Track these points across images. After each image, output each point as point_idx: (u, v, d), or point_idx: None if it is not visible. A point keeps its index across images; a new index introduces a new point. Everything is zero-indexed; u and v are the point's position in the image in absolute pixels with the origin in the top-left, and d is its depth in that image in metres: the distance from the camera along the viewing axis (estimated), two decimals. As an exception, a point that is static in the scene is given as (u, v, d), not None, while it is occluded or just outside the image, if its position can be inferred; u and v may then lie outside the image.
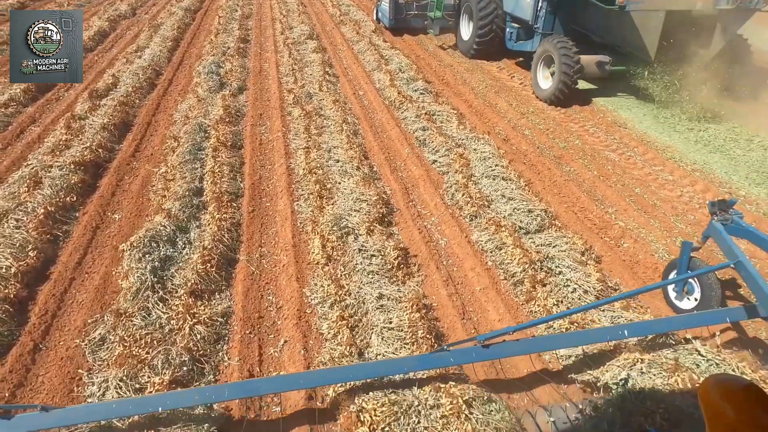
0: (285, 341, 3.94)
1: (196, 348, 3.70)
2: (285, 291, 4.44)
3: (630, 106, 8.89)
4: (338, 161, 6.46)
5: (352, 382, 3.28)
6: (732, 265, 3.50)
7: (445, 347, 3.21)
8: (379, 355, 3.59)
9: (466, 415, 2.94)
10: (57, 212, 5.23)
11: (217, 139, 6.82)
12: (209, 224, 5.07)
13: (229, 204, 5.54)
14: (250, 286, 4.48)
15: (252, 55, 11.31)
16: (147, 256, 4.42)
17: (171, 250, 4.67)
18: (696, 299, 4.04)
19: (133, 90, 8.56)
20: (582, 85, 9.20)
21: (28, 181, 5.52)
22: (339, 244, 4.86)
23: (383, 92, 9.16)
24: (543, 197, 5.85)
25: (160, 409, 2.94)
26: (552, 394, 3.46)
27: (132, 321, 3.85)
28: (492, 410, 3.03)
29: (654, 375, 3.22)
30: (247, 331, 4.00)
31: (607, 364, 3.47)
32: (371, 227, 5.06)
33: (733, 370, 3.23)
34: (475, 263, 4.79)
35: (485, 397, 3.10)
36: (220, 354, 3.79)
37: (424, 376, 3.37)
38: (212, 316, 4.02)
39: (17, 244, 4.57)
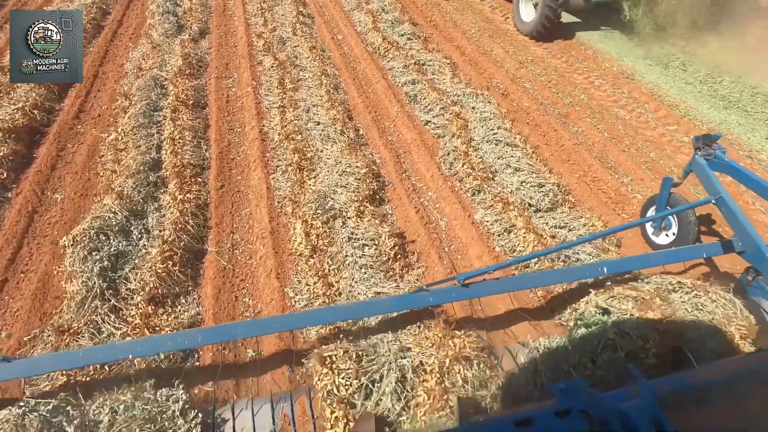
0: (266, 357, 3.34)
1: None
2: (264, 291, 3.78)
3: (630, 50, 8.13)
4: (319, 123, 5.63)
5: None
6: (713, 201, 3.37)
7: (425, 287, 3.10)
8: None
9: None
10: (-17, 194, 4.38)
11: (177, 97, 5.86)
12: (170, 207, 4.30)
13: (193, 179, 4.73)
14: (221, 285, 3.80)
15: (214, -9, 9.95)
16: (94, 253, 3.67)
17: (124, 243, 3.91)
18: (673, 234, 4.07)
19: (74, 34, 7.33)
20: (566, 18, 8.46)
21: (-56, 154, 4.61)
22: (325, 231, 4.18)
23: (365, 37, 8.13)
24: (552, 166, 5.19)
25: (130, 356, 2.82)
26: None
27: (78, 341, 3.18)
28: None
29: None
30: (221, 346, 3.37)
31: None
32: (361, 207, 4.37)
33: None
34: (482, 250, 4.19)
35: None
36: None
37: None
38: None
39: (-69, 240, 3.77)
